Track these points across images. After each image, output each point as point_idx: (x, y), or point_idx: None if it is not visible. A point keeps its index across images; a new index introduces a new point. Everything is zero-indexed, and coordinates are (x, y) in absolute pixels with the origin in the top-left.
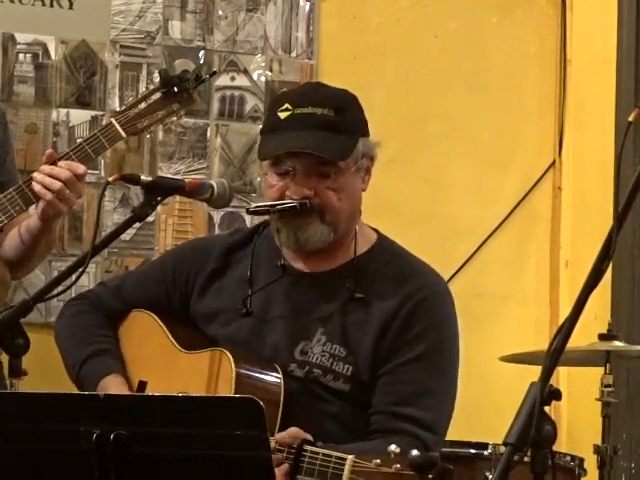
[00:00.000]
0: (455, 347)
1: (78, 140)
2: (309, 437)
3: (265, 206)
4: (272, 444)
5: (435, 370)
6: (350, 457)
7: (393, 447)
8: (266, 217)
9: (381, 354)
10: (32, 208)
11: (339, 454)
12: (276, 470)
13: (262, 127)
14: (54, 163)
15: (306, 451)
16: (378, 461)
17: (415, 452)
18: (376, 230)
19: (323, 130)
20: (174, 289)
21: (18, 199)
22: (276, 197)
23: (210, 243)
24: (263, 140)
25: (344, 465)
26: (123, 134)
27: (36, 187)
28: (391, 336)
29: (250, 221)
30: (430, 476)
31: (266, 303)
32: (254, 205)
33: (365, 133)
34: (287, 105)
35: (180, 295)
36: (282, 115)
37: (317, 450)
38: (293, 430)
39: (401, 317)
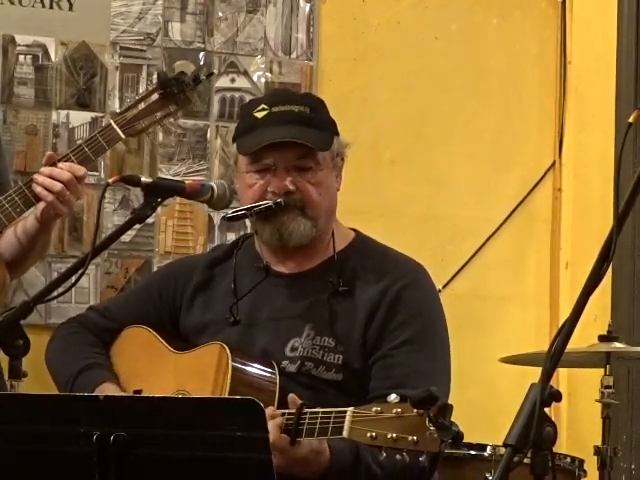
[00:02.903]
0: (442, 328)
1: (78, 142)
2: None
3: (242, 210)
4: (271, 409)
5: (426, 351)
6: (350, 409)
7: (393, 397)
8: (245, 232)
9: (370, 341)
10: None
11: (338, 409)
12: (271, 422)
13: (235, 132)
14: (54, 165)
15: (305, 414)
16: (378, 408)
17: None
18: (353, 229)
19: (302, 125)
20: (162, 307)
21: (18, 201)
22: (257, 196)
23: (193, 261)
24: (240, 141)
25: (344, 417)
26: (122, 135)
27: (37, 189)
28: (378, 323)
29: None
30: (431, 414)
31: (252, 308)
32: (231, 211)
33: (337, 133)
34: (263, 105)
35: (169, 313)
36: (259, 115)
37: (316, 410)
38: (291, 396)
39: (385, 304)
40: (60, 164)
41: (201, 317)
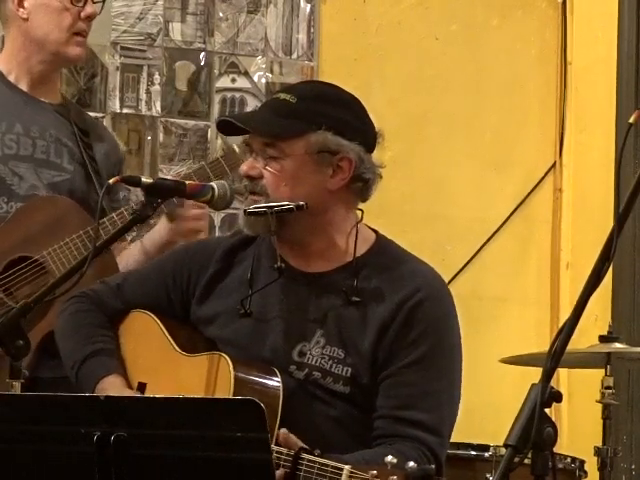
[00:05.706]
0: (456, 347)
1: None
2: (305, 446)
3: (263, 207)
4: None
5: (436, 371)
6: (347, 467)
7: (390, 458)
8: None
9: (380, 357)
10: None
11: (335, 464)
12: None
13: None
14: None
15: (303, 459)
16: (374, 472)
17: (411, 464)
18: (375, 230)
19: (273, 112)
20: (175, 290)
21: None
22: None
23: (211, 245)
24: None
25: (340, 475)
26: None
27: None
28: (390, 339)
29: None
30: None
31: (264, 303)
32: (252, 206)
33: (332, 128)
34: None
35: (181, 296)
36: None
37: (314, 459)
38: (291, 437)
39: (399, 320)
40: None
41: (213, 307)
